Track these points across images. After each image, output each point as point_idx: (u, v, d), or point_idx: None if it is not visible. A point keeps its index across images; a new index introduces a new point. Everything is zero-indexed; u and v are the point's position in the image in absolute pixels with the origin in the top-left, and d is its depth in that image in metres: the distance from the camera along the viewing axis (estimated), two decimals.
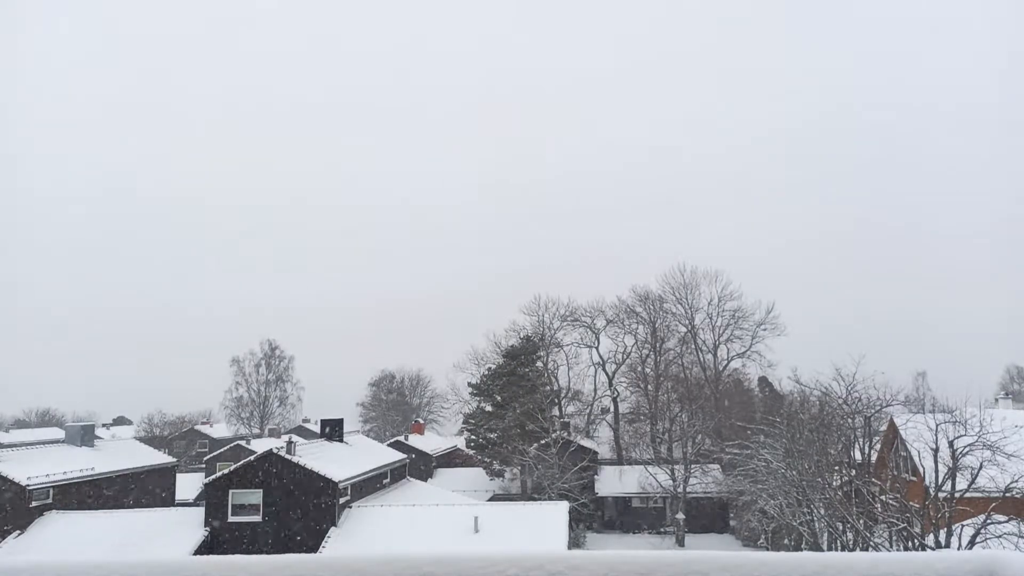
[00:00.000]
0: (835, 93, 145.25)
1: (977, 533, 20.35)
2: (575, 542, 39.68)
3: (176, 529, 31.01)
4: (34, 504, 31.47)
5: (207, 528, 30.97)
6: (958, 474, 21.69)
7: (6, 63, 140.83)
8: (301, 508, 31.31)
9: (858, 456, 27.35)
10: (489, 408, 57.28)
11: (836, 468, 27.49)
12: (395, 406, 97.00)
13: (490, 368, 59.65)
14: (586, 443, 54.47)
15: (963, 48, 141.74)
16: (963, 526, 21.13)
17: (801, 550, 26.91)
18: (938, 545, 20.76)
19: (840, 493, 25.04)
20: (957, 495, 21.47)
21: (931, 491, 22.04)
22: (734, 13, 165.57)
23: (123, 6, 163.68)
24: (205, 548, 30.05)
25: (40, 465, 33.35)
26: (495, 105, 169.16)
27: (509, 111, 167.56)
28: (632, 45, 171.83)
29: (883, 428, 31.85)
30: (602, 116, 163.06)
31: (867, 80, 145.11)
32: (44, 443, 47.74)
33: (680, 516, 44.54)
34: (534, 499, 43.07)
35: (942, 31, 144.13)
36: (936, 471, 21.91)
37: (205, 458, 69.85)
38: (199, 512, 32.54)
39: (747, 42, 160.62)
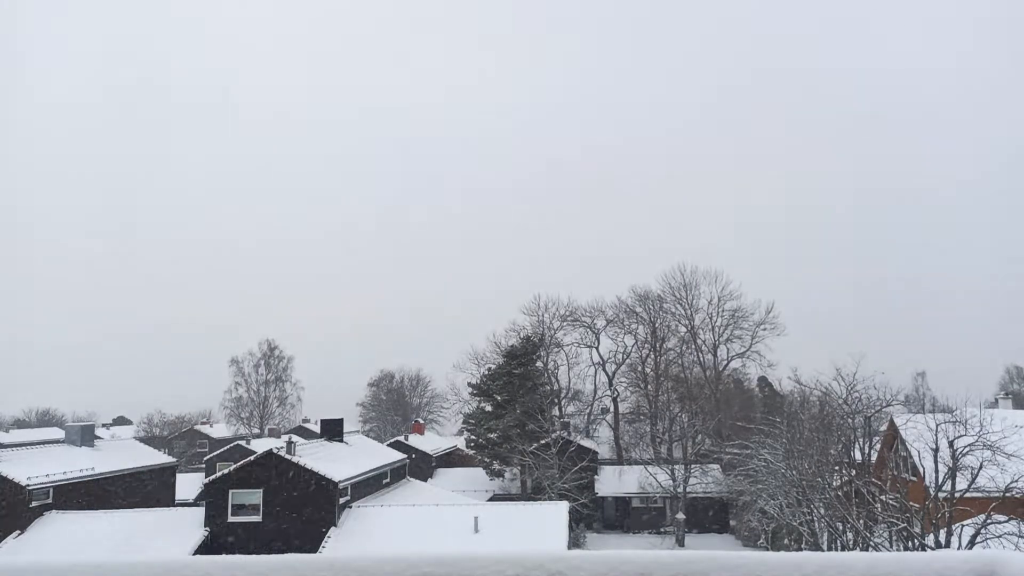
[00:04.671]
0: (835, 92, 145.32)
1: (977, 533, 20.35)
2: (575, 542, 39.66)
3: (176, 529, 31.00)
4: (34, 504, 31.46)
5: (207, 528, 30.97)
6: (958, 474, 21.68)
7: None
8: (301, 508, 31.30)
9: (858, 456, 27.34)
10: (489, 408, 57.24)
11: (836, 468, 27.49)
12: (395, 406, 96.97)
13: (490, 368, 59.63)
14: (586, 443, 54.44)
15: (963, 37, 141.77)
16: (963, 526, 21.12)
17: (801, 550, 26.91)
18: (938, 545, 20.75)
19: (840, 493, 25.03)
20: (957, 495, 21.46)
21: (931, 491, 22.04)
22: (731, 14, 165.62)
23: None
24: (205, 548, 30.04)
25: (40, 465, 33.34)
26: (493, 102, 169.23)
27: (509, 108, 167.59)
28: (630, 47, 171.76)
29: (883, 428, 31.84)
30: (601, 116, 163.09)
31: (868, 78, 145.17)
32: (44, 443, 47.71)
33: (680, 516, 44.52)
34: (534, 499, 43.05)
35: (942, 27, 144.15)
36: (936, 471, 21.90)
37: (205, 458, 69.82)
38: (199, 512, 32.53)
39: (744, 44, 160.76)
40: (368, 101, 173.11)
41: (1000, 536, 19.96)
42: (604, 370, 66.38)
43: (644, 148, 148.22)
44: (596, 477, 49.95)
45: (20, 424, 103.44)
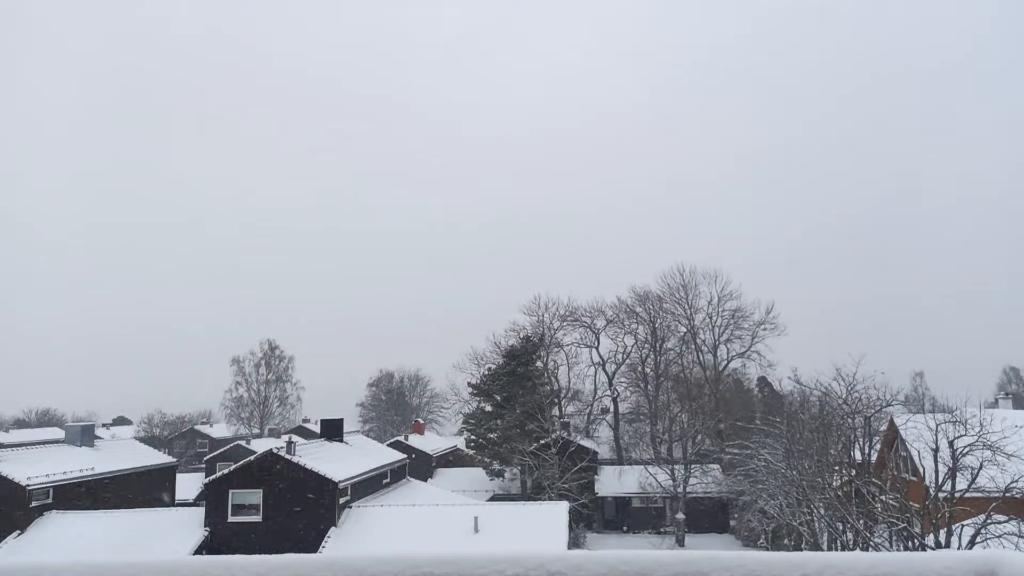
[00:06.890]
0: (834, 92, 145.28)
1: (977, 533, 20.35)
2: (575, 542, 39.65)
3: (176, 529, 31.00)
4: (34, 504, 31.45)
5: (207, 528, 30.97)
6: (958, 474, 21.67)
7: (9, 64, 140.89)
8: (301, 508, 31.29)
9: (858, 456, 27.33)
10: (489, 408, 57.26)
11: (836, 468, 27.47)
12: (395, 406, 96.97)
13: (490, 368, 59.63)
14: (586, 443, 54.42)
15: (965, 33, 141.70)
16: (963, 526, 21.11)
17: (801, 550, 26.91)
18: (938, 545, 20.75)
19: (840, 493, 25.02)
20: (957, 495, 21.46)
21: (931, 491, 22.03)
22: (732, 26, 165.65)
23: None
24: (205, 548, 30.04)
25: (40, 465, 33.34)
26: (493, 105, 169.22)
27: (509, 110, 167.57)
28: (628, 47, 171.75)
29: (883, 428, 31.84)
30: (600, 116, 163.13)
31: (866, 76, 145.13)
32: (44, 443, 47.69)
33: (680, 516, 44.51)
34: (534, 499, 43.04)
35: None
36: (936, 471, 21.89)
37: (205, 458, 69.81)
38: (199, 512, 32.53)
39: (743, 47, 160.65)
40: (367, 105, 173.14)
41: (1000, 536, 19.96)
42: (604, 370, 66.43)
43: (646, 148, 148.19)
44: (596, 477, 49.94)
45: (20, 424, 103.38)
